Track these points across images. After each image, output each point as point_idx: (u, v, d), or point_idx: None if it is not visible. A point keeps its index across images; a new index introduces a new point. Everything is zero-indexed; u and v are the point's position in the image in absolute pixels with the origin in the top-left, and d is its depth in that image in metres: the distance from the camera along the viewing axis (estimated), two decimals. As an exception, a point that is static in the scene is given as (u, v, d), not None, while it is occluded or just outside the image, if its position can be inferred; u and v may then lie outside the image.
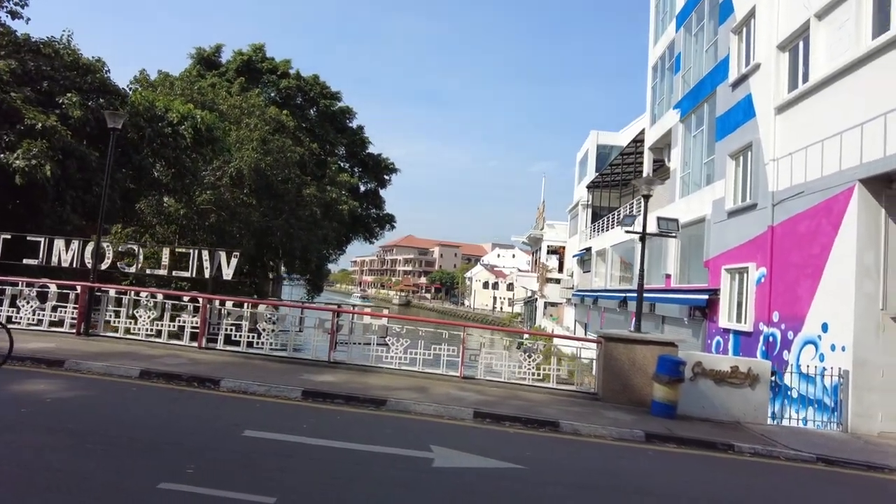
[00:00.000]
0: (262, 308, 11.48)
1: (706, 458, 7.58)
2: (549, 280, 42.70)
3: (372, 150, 43.75)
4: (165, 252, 13.39)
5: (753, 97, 14.79)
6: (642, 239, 10.89)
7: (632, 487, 5.87)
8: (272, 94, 39.20)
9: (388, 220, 44.87)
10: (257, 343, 11.21)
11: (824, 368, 10.56)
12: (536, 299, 45.41)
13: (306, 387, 8.67)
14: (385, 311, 12.73)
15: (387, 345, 10.65)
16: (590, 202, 36.67)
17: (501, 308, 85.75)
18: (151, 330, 11.62)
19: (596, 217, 35.00)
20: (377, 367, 10.59)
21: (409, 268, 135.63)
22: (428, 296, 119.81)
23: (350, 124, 42.85)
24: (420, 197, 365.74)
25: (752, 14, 15.27)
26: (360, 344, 11.12)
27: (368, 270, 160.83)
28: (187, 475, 4.71)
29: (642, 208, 11.49)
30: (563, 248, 46.27)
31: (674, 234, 12.44)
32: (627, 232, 14.88)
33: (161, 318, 11.66)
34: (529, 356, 10.50)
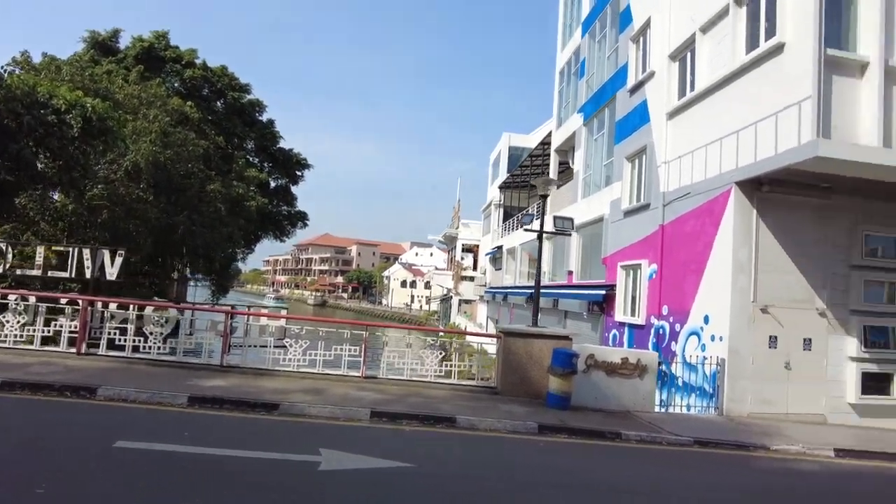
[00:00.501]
0: (149, 310, 10.74)
1: (595, 446, 7.89)
2: (464, 278, 43.30)
3: (284, 144, 42.35)
4: (40, 251, 12.23)
5: (648, 103, 15.63)
6: (539, 237, 11.22)
7: (519, 478, 5.99)
8: (175, 85, 36.96)
9: (301, 218, 43.62)
10: (144, 347, 10.48)
11: (705, 358, 11.34)
12: (451, 297, 45.91)
13: (193, 392, 8.20)
14: (283, 312, 12.27)
15: (285, 347, 10.29)
16: (502, 202, 37.52)
17: (421, 307, 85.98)
18: (21, 336, 10.56)
19: (507, 216, 35.87)
20: (274, 371, 10.21)
21: (326, 267, 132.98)
22: (345, 295, 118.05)
23: (260, 118, 41.27)
24: (339, 195, 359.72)
25: (648, 24, 16.14)
26: (256, 347, 10.67)
27: (282, 270, 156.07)
28: (37, 496, 4.27)
29: (541, 208, 11.84)
30: (478, 246, 47.07)
31: (569, 233, 12.92)
32: (526, 230, 15.27)
33: (34, 322, 10.63)
34: (433, 353, 10.53)
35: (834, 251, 11.51)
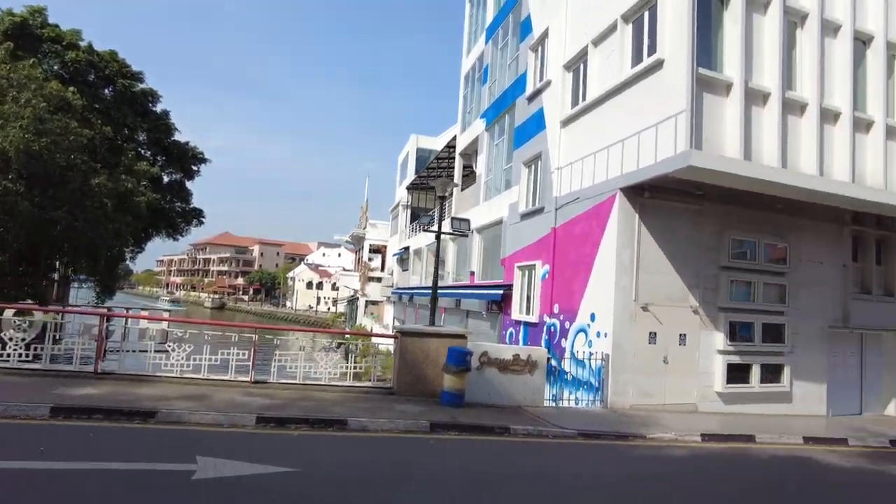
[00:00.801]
0: (8, 314, 9.70)
1: (484, 442, 8.08)
2: (371, 279, 42.94)
3: (180, 137, 39.96)
4: None
5: (545, 111, 16.28)
6: (437, 237, 11.35)
7: (404, 477, 6.00)
8: (55, 68, 33.76)
9: (196, 215, 41.38)
10: (2, 355, 9.46)
11: (591, 353, 11.97)
12: (358, 298, 45.37)
13: (58, 402, 7.51)
14: (165, 315, 11.51)
15: (167, 351, 9.68)
16: (409, 203, 37.60)
17: (329, 309, 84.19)
18: None
19: (415, 217, 36.00)
20: (154, 377, 9.57)
21: (226, 267, 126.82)
22: (246, 298, 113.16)
23: (154, 108, 38.72)
24: (242, 193, 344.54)
25: (546, 34, 16.80)
26: (136, 351, 9.96)
27: (177, 271, 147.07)
28: None
29: (441, 209, 12.00)
30: (385, 247, 46.87)
31: (466, 233, 13.20)
32: (425, 231, 15.40)
33: None
34: (327, 355, 10.33)
35: (706, 253, 12.56)
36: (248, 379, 9.89)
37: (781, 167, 11.18)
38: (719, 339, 12.39)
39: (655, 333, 11.92)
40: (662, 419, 10.67)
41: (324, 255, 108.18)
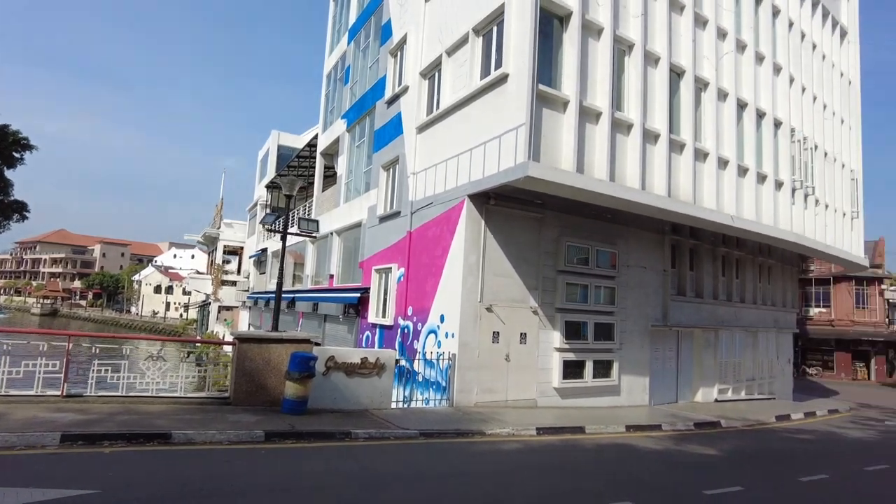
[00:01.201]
0: None
1: (323, 448, 7.90)
2: (226, 282, 40.45)
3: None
4: None
5: (402, 116, 16.45)
6: (283, 238, 10.98)
7: (223, 491, 5.67)
8: None
9: (18, 209, 36.14)
10: None
11: (440, 353, 12.27)
12: (210, 303, 42.50)
13: None
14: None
15: (-50, 364, 8.31)
16: (269, 202, 36.00)
17: (181, 315, 77.82)
18: None
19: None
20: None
21: (60, 269, 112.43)
22: (84, 303, 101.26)
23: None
24: (84, 187, 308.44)
25: (404, 41, 16.98)
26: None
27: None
28: None
29: (287, 207, 11.61)
30: (242, 248, 44.44)
31: (314, 234, 12.92)
32: (268, 230, 14.84)
33: None
34: (155, 364, 9.49)
35: (545, 258, 13.45)
36: (59, 393, 8.80)
37: (610, 180, 12.32)
38: (556, 338, 13.32)
39: (498, 333, 12.53)
40: (503, 415, 11.22)
41: (175, 256, 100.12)
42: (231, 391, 9.68)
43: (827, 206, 19.92)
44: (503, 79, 11.91)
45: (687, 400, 17.63)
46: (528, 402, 12.80)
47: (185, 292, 75.65)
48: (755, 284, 20.64)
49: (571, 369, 13.61)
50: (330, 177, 25.72)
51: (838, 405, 20.86)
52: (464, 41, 13.68)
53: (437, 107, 14.60)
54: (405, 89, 16.38)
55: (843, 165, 21.52)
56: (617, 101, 12.89)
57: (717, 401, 18.03)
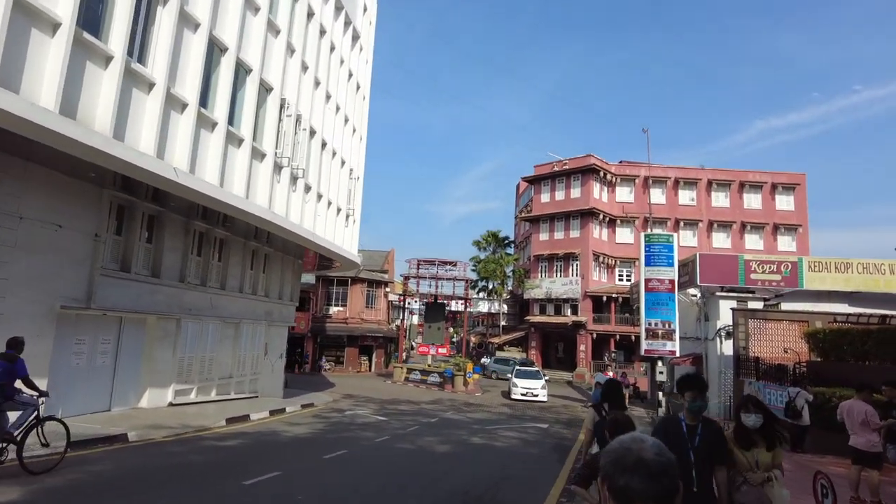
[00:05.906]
0: None
1: None
2: None
3: None
4: None
5: None
6: None
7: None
8: None
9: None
10: None
11: None
12: None
13: None
14: None
15: None
16: None
17: None
18: None
19: None
20: None
21: None
22: None
23: None
24: None
25: None
26: None
27: None
28: None
29: None
30: None
31: None
32: None
33: None
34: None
35: None
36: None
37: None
38: None
39: None
40: None
41: None
42: None
43: (321, 197, 19.43)
44: None
45: (128, 406, 13.86)
46: None
47: None
48: (244, 271, 18.66)
49: None
50: None
51: (320, 399, 20.78)
52: None
53: None
54: None
55: (344, 162, 21.86)
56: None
57: (172, 404, 14.87)
